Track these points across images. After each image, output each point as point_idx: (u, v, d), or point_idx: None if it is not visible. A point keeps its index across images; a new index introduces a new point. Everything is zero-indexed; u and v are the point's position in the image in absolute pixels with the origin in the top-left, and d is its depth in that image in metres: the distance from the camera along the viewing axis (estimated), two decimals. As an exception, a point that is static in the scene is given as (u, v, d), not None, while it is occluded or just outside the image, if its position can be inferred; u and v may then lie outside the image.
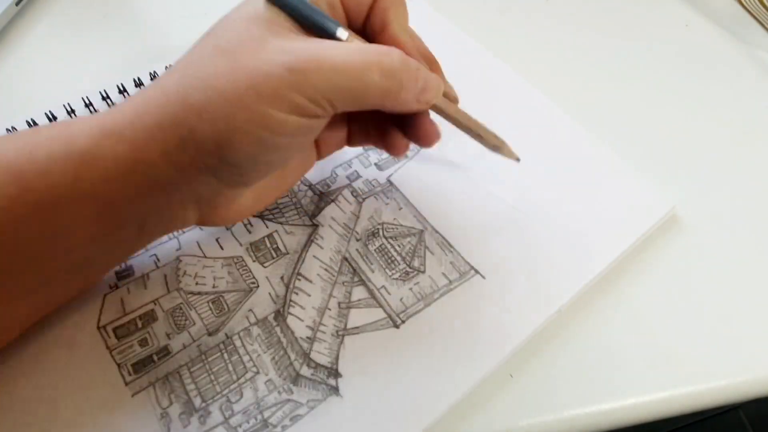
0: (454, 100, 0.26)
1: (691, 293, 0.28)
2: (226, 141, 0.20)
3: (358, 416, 0.23)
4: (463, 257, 0.28)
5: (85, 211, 0.20)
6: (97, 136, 0.20)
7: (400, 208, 0.30)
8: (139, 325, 0.25)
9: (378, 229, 0.29)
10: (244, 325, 0.26)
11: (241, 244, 0.28)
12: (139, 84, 0.34)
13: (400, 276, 0.27)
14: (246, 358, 0.25)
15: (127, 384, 0.24)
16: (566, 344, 0.26)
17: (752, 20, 0.43)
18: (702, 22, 0.42)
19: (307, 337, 0.25)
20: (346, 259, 0.28)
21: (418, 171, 0.31)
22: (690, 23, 0.42)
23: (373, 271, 0.27)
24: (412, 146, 0.27)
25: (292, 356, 0.25)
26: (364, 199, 0.30)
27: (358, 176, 0.31)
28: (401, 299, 0.27)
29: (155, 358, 0.25)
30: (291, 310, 0.26)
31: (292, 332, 0.26)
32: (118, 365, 0.24)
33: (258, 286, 0.27)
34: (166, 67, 0.35)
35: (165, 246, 0.28)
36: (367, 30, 0.24)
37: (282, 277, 0.27)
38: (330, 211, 0.29)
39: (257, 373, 0.24)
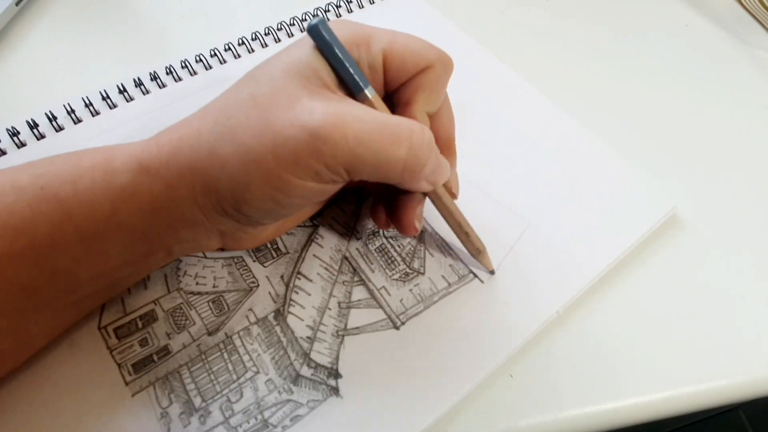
0: (453, 195, 0.26)
1: (691, 293, 0.28)
2: (241, 196, 0.21)
3: (358, 417, 0.23)
4: (462, 260, 0.28)
5: (121, 240, 0.21)
6: (135, 171, 0.21)
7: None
8: (140, 325, 0.25)
9: (378, 228, 0.29)
10: (244, 325, 0.26)
11: (241, 244, 0.28)
12: (139, 84, 0.34)
13: (400, 277, 0.27)
14: (246, 358, 0.25)
15: (127, 384, 0.24)
16: (566, 344, 0.26)
17: (752, 20, 0.43)
18: (702, 22, 0.42)
19: (307, 337, 0.25)
20: (346, 258, 0.28)
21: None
22: (690, 23, 0.42)
23: (373, 271, 0.27)
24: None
25: (292, 356, 0.25)
26: (364, 199, 0.30)
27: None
28: (401, 300, 0.27)
29: (155, 357, 0.25)
30: (291, 309, 0.26)
31: (292, 332, 0.26)
32: (119, 365, 0.24)
33: (258, 285, 0.27)
34: (166, 68, 0.35)
35: (165, 246, 0.28)
36: (394, 98, 0.24)
37: (282, 276, 0.27)
38: (330, 210, 0.29)
39: (257, 372, 0.24)
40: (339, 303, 0.26)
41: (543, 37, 0.40)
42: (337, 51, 0.21)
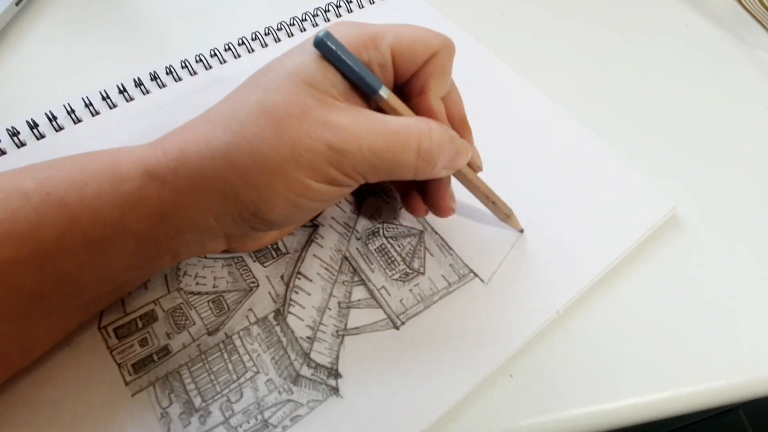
0: (477, 169, 0.27)
1: (691, 293, 0.28)
2: (265, 204, 0.21)
3: (359, 417, 0.23)
4: (462, 260, 0.28)
5: (127, 245, 0.21)
6: (143, 177, 0.21)
7: (401, 208, 0.30)
8: (140, 325, 0.25)
9: (378, 228, 0.29)
10: (244, 325, 0.26)
11: (241, 244, 0.28)
12: (139, 83, 0.34)
13: (400, 277, 0.27)
14: (246, 358, 0.25)
15: (127, 384, 0.24)
16: (566, 344, 0.26)
17: (752, 20, 0.43)
18: (702, 22, 0.42)
19: (307, 337, 0.25)
20: (346, 258, 0.28)
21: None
22: (690, 23, 0.42)
23: (373, 271, 0.27)
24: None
25: (292, 356, 0.25)
26: (364, 198, 0.30)
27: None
28: (401, 300, 0.27)
29: (155, 357, 0.25)
30: (291, 309, 0.26)
31: (292, 332, 0.26)
32: (119, 365, 0.24)
33: (258, 285, 0.27)
34: (166, 68, 0.35)
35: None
36: (406, 90, 0.24)
37: (282, 276, 0.27)
38: (330, 210, 0.29)
39: (257, 372, 0.24)
40: (339, 303, 0.26)
41: (543, 37, 0.40)
42: (347, 60, 0.21)
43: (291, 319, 0.26)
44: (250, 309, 0.26)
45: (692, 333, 0.27)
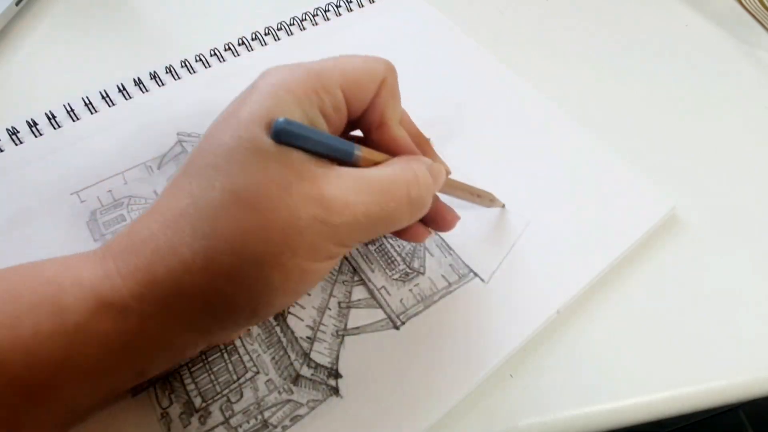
0: (447, 171, 0.25)
1: (691, 293, 0.28)
2: (262, 303, 0.19)
3: (358, 417, 0.23)
4: (462, 260, 0.28)
5: (76, 382, 0.18)
6: (93, 309, 0.18)
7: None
8: (139, 325, 0.25)
9: (378, 229, 0.29)
10: (244, 325, 0.26)
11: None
12: (139, 83, 0.34)
13: (399, 277, 0.27)
14: (246, 358, 0.25)
15: (127, 384, 0.24)
16: (566, 344, 0.26)
17: (752, 20, 0.43)
18: (702, 22, 0.42)
19: (307, 337, 0.25)
20: (346, 258, 0.28)
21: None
22: (690, 23, 0.42)
23: (373, 271, 0.27)
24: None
25: (292, 356, 0.25)
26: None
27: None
28: (401, 300, 0.27)
29: (155, 358, 0.25)
30: (291, 309, 0.26)
31: (292, 332, 0.26)
32: (118, 365, 0.24)
33: (258, 286, 0.27)
34: (166, 68, 0.35)
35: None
36: (363, 122, 0.22)
37: (282, 277, 0.27)
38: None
39: (257, 373, 0.24)
40: (339, 303, 0.26)
41: (543, 37, 0.40)
42: (315, 138, 0.19)
43: (291, 319, 0.26)
44: (250, 309, 0.26)
45: (692, 333, 0.27)
